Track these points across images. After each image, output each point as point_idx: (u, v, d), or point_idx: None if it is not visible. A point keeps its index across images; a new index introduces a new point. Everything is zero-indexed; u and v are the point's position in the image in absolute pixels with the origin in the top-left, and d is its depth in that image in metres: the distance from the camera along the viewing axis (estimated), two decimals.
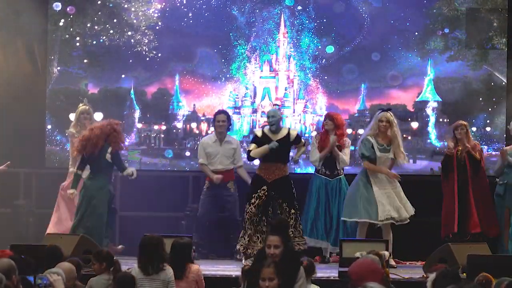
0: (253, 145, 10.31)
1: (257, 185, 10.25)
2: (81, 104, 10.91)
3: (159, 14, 12.65)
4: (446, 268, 6.51)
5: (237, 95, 12.70)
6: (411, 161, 12.50)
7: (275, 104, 11.07)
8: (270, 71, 12.74)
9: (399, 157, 10.41)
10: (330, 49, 12.61)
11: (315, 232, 10.83)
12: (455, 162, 10.62)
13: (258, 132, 10.43)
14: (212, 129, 11.58)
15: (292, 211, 10.18)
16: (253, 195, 10.20)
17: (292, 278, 6.86)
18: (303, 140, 10.54)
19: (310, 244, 10.70)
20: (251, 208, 10.16)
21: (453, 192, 10.64)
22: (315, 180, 10.94)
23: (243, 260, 10.06)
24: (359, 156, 10.54)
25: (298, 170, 12.41)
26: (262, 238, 9.98)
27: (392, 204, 10.27)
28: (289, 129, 10.53)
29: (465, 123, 10.80)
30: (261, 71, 12.73)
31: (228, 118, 11.07)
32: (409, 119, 12.57)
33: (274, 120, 10.25)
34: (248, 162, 10.96)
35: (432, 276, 6.07)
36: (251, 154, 10.27)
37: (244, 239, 10.17)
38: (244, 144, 12.12)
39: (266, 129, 10.39)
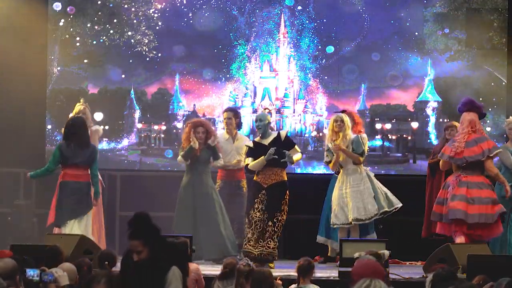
0: (249, 159, 10.17)
1: (256, 191, 10.12)
2: (77, 104, 10.81)
3: (159, 14, 12.65)
4: (443, 268, 6.49)
5: (237, 95, 12.70)
6: (411, 161, 12.51)
7: (266, 108, 10.91)
8: (270, 71, 12.74)
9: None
10: (330, 49, 12.61)
11: (329, 233, 10.80)
12: None
13: (250, 144, 10.32)
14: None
15: (270, 223, 9.98)
16: (255, 200, 10.09)
17: (158, 284, 5.77)
18: (296, 147, 10.22)
19: (320, 242, 10.79)
20: (255, 214, 10.02)
21: (438, 192, 10.69)
22: (332, 181, 10.78)
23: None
24: None
25: (298, 170, 12.41)
26: (265, 242, 9.92)
27: (347, 206, 10.18)
28: (278, 131, 10.42)
29: (457, 124, 10.76)
30: (261, 71, 12.74)
31: (236, 115, 10.97)
32: (409, 119, 12.56)
33: (261, 125, 10.14)
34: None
35: (430, 276, 6.07)
36: (250, 167, 10.15)
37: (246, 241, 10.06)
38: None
39: (257, 138, 10.32)
